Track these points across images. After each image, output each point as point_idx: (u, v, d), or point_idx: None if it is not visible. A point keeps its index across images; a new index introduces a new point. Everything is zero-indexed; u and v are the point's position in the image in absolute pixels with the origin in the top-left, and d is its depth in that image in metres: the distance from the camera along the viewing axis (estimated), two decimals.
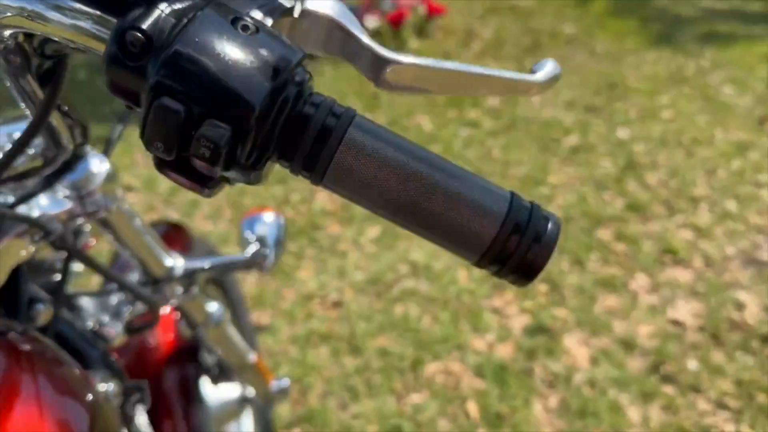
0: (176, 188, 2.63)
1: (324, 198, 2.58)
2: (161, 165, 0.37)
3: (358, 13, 3.91)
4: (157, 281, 0.81)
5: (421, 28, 4.25)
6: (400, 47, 4.01)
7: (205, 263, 0.87)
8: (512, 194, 0.39)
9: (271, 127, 0.37)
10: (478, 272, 2.17)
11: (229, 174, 0.38)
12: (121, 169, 2.80)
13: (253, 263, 0.92)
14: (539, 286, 2.11)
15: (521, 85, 0.46)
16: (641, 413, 1.70)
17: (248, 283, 2.13)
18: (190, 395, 1.05)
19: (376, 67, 0.42)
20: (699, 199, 2.55)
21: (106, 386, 0.69)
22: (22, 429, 0.45)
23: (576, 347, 1.89)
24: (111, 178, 0.65)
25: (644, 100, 3.38)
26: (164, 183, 2.69)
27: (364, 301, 2.05)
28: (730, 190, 2.59)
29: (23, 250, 0.59)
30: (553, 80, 0.47)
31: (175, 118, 0.34)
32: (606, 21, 4.60)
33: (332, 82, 3.56)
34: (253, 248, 0.93)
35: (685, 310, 2.03)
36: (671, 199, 2.54)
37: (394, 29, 4.01)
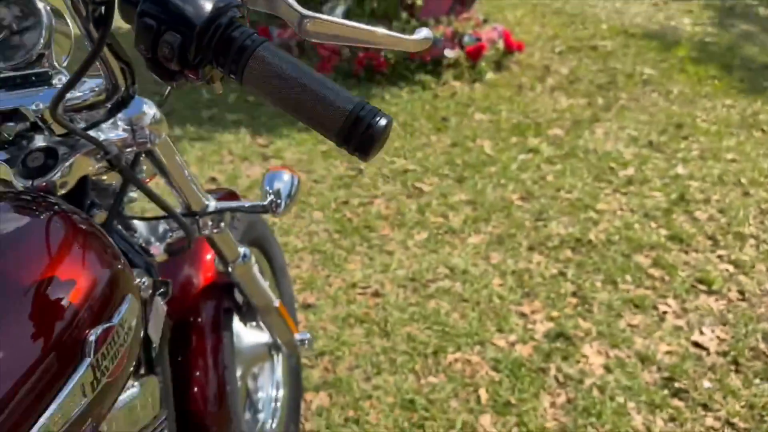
0: (253, 184, 2.93)
1: (381, 204, 2.80)
2: (148, 64, 0.60)
3: (441, 45, 4.15)
4: (193, 213, 1.04)
5: (499, 61, 4.44)
6: (477, 78, 4.22)
7: (232, 204, 1.10)
8: (361, 99, 0.59)
9: (209, 41, 0.59)
10: (511, 280, 2.31)
11: (186, 73, 0.60)
12: (211, 163, 3.14)
13: (269, 209, 1.15)
14: (569, 298, 2.23)
15: (400, 42, 0.66)
16: (646, 421, 1.78)
17: (301, 268, 2.37)
18: (221, 328, 1.27)
19: (297, 21, 0.63)
20: (746, 237, 2.58)
21: (141, 280, 0.91)
22: (67, 284, 0.65)
23: (593, 355, 2.00)
24: (158, 120, 0.89)
25: (710, 140, 3.41)
26: (243, 180, 3.00)
27: (402, 294, 2.24)
28: None
29: (89, 165, 0.83)
30: (424, 42, 0.67)
31: (150, 30, 0.57)
32: (687, 65, 4.62)
33: (407, 105, 3.81)
34: (269, 198, 1.16)
35: (710, 335, 2.08)
36: (717, 234, 2.59)
37: (472, 61, 4.22)
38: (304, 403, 1.79)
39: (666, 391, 1.87)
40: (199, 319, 1.23)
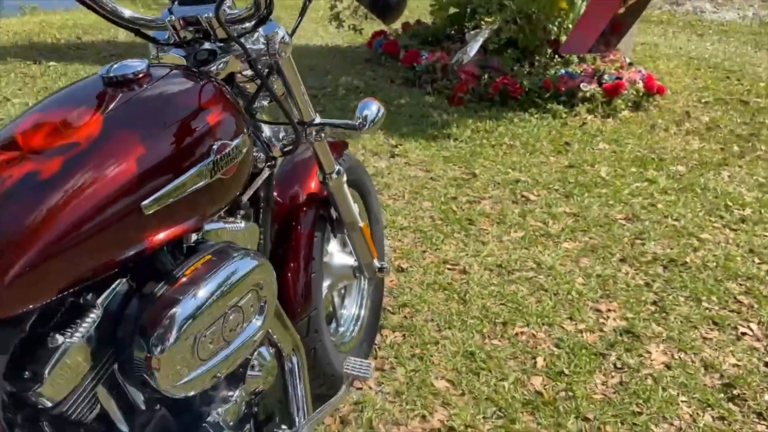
0: (376, 173, 3.30)
1: (486, 204, 3.04)
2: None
3: (578, 80, 4.34)
4: (303, 123, 1.39)
5: (637, 102, 4.52)
6: (611, 114, 4.34)
7: (333, 121, 1.43)
8: None
9: None
10: (594, 282, 2.45)
11: None
12: None
13: (357, 128, 1.46)
14: (648, 306, 2.33)
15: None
16: (694, 414, 1.86)
17: (402, 242, 2.67)
18: (316, 230, 1.60)
19: None
20: None
21: (258, 155, 1.26)
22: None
23: (657, 353, 2.09)
24: (286, 42, 1.24)
25: None
26: (369, 169, 3.38)
27: (486, 275, 2.46)
28: None
29: (237, 65, 1.20)
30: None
31: None
32: None
33: (533, 129, 4.02)
34: (359, 120, 1.47)
35: None
36: None
37: (609, 97, 4.36)
38: (381, 336, 2.08)
39: (722, 395, 1.93)
40: (299, 218, 1.57)
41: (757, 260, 2.66)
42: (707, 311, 2.32)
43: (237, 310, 1.02)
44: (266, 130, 1.41)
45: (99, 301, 0.90)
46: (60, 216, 0.82)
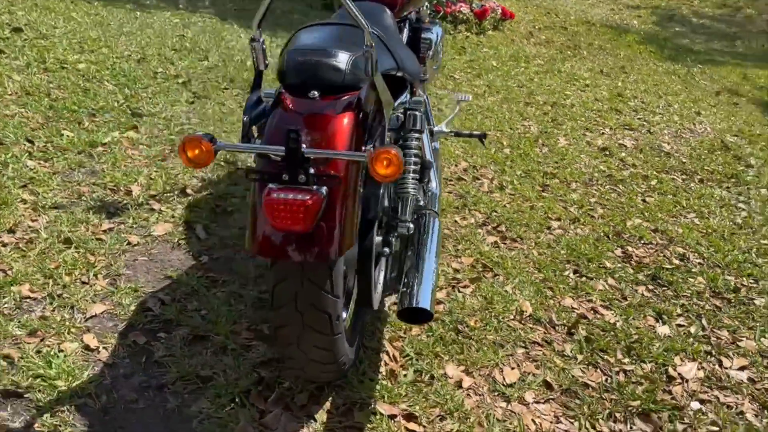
0: None
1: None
2: None
3: (457, 5, 5.86)
4: None
5: (496, 25, 6.18)
6: (482, 32, 5.94)
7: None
8: None
9: None
10: (515, 113, 3.97)
11: None
12: None
13: None
14: (549, 122, 3.89)
15: None
16: (589, 162, 3.45)
17: None
18: None
19: None
20: (655, 112, 4.31)
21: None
22: None
23: (562, 140, 3.66)
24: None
25: (642, 76, 5.20)
26: None
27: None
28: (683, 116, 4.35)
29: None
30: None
31: None
32: (632, 44, 6.47)
33: None
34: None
35: (628, 141, 3.78)
36: (638, 109, 4.32)
37: (479, 19, 5.95)
38: None
39: (602, 153, 3.55)
40: None
41: (601, 104, 4.38)
42: (581, 123, 3.95)
43: None
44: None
45: None
46: None
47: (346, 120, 1.37)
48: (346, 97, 1.40)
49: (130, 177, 2.48)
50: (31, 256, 1.96)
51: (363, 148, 1.42)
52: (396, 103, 1.69)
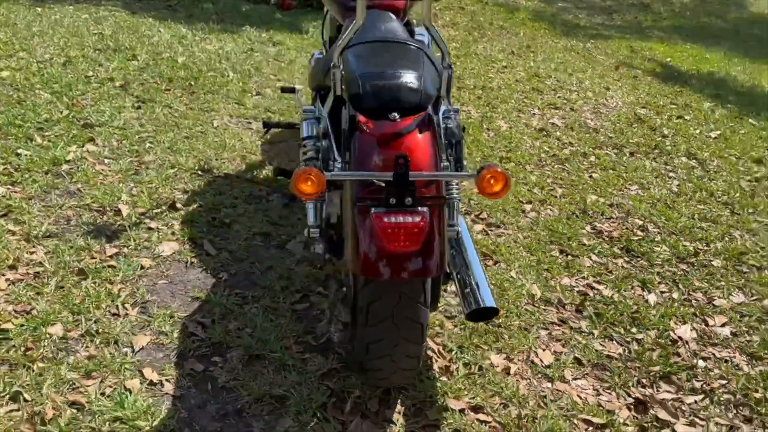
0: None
1: None
2: None
3: None
4: None
5: None
6: None
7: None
8: None
9: None
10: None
11: None
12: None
13: None
14: (485, 106, 4.08)
15: None
16: (532, 143, 3.67)
17: None
18: None
19: None
20: (571, 90, 4.63)
21: None
22: None
23: (504, 124, 3.86)
24: None
25: (547, 53, 5.53)
26: None
27: None
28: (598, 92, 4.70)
29: None
30: None
31: None
32: (527, 22, 6.82)
33: None
34: None
35: (556, 120, 4.05)
36: (556, 88, 4.62)
37: None
38: None
39: (540, 134, 3.78)
40: None
41: (520, 84, 4.63)
42: (513, 106, 4.17)
43: None
44: None
45: None
46: None
47: (429, 139, 1.44)
48: (420, 116, 1.46)
49: (112, 195, 2.37)
50: (47, 292, 1.85)
51: (440, 164, 1.49)
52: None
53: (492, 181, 1.30)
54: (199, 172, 2.67)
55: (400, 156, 1.29)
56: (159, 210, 2.36)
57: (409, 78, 1.46)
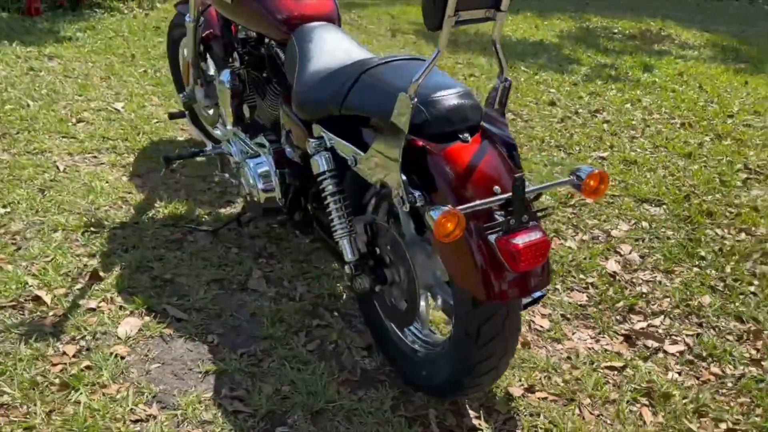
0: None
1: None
2: None
3: None
4: None
5: None
6: (154, 7, 5.54)
7: None
8: None
9: None
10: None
11: None
12: None
13: None
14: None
15: None
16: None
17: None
18: None
19: None
20: None
21: None
22: None
23: None
24: None
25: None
26: None
27: None
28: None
29: None
30: None
31: None
32: None
33: (121, 21, 4.95)
34: None
35: None
36: None
37: None
38: None
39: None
40: None
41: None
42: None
43: None
44: None
45: None
46: None
47: (501, 153, 1.45)
48: (480, 132, 1.47)
49: (16, 283, 1.94)
50: (38, 423, 1.49)
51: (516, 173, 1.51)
52: None
53: (593, 183, 1.38)
54: (92, 229, 2.29)
55: (518, 177, 1.30)
56: (81, 285, 2.00)
57: (465, 96, 1.45)
